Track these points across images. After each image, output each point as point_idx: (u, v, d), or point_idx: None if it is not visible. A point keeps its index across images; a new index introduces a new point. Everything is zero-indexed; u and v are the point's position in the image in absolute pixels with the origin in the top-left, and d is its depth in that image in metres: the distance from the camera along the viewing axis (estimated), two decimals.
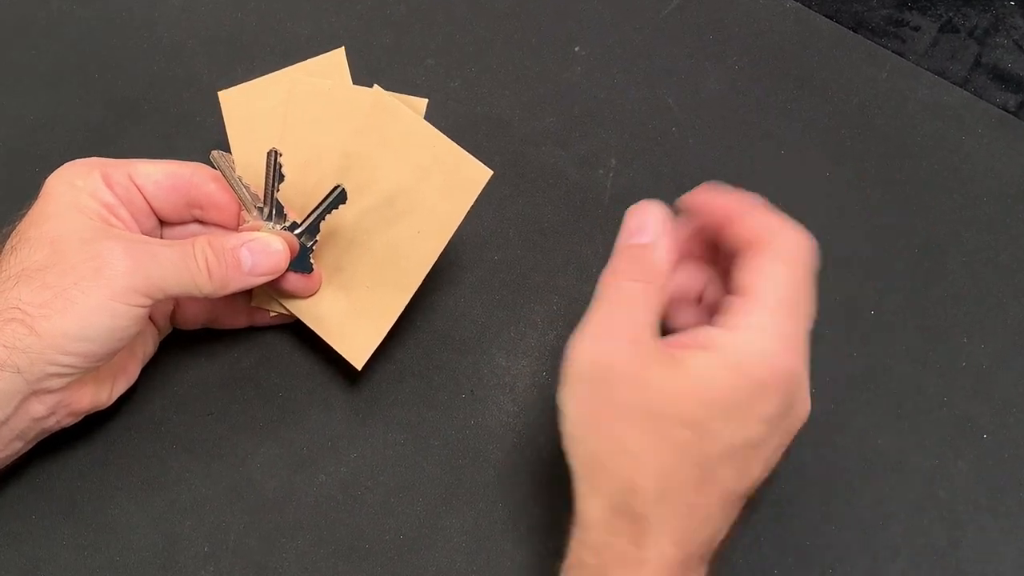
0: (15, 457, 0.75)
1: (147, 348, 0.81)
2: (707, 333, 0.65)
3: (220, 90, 0.83)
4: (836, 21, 1.02)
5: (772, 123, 0.96)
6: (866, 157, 0.94)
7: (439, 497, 0.79)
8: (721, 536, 0.65)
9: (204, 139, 0.93)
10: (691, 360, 0.63)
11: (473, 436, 0.82)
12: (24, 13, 1.03)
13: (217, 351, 0.85)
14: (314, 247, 0.79)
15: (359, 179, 0.78)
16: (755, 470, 0.65)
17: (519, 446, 0.81)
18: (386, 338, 0.80)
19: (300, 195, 0.80)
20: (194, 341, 0.85)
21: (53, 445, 0.79)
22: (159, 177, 0.77)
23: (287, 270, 0.78)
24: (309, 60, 0.82)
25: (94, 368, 0.73)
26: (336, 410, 0.83)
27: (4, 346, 0.67)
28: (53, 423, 0.74)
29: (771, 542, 0.78)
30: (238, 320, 0.85)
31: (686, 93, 0.98)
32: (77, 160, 0.77)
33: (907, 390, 0.84)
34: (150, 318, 0.80)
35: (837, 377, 0.83)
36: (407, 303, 0.78)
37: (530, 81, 0.98)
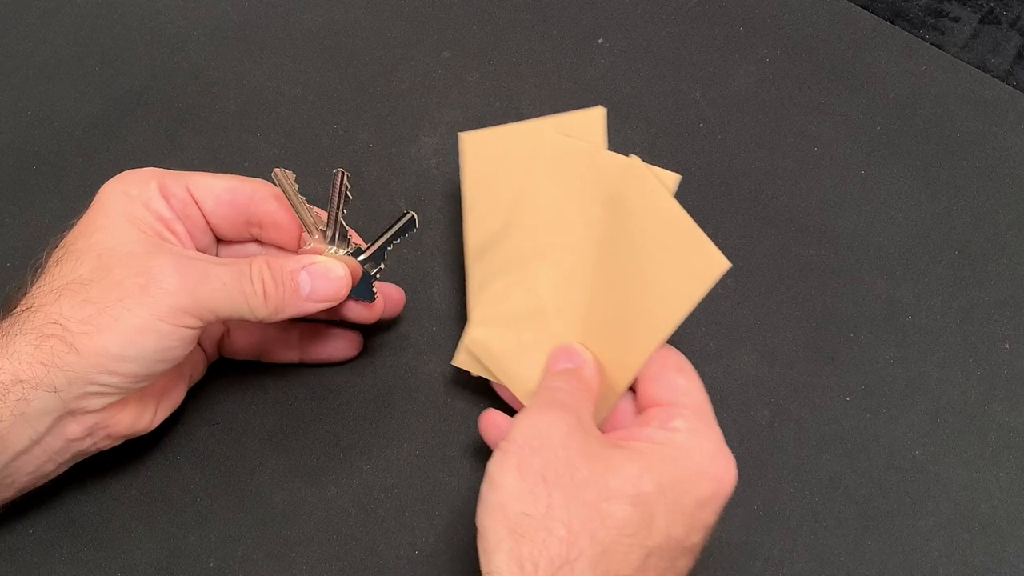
0: (45, 481, 0.74)
1: (196, 372, 0.81)
2: (646, 431, 0.69)
3: (461, 131, 0.82)
4: (872, 12, 1.02)
5: (804, 119, 0.96)
6: (903, 155, 0.94)
7: (457, 510, 0.79)
8: None
9: (209, 135, 0.93)
10: (638, 446, 0.67)
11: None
12: (18, 1, 1.03)
13: (223, 359, 0.84)
14: (378, 275, 0.79)
15: (596, 247, 0.77)
16: (682, 569, 0.67)
17: None
18: (399, 344, 0.81)
19: (532, 255, 0.79)
20: None
21: None
22: (219, 191, 0.76)
23: (347, 297, 0.77)
24: (564, 114, 0.80)
25: (136, 389, 0.72)
26: (348, 419, 0.83)
27: (41, 363, 0.67)
28: (89, 445, 0.73)
29: (804, 557, 0.78)
30: (289, 354, 0.84)
31: (715, 88, 0.98)
32: (134, 169, 0.75)
33: (946, 398, 0.84)
34: (200, 345, 0.80)
35: (872, 385, 0.83)
36: (627, 385, 0.75)
37: (551, 75, 0.98)
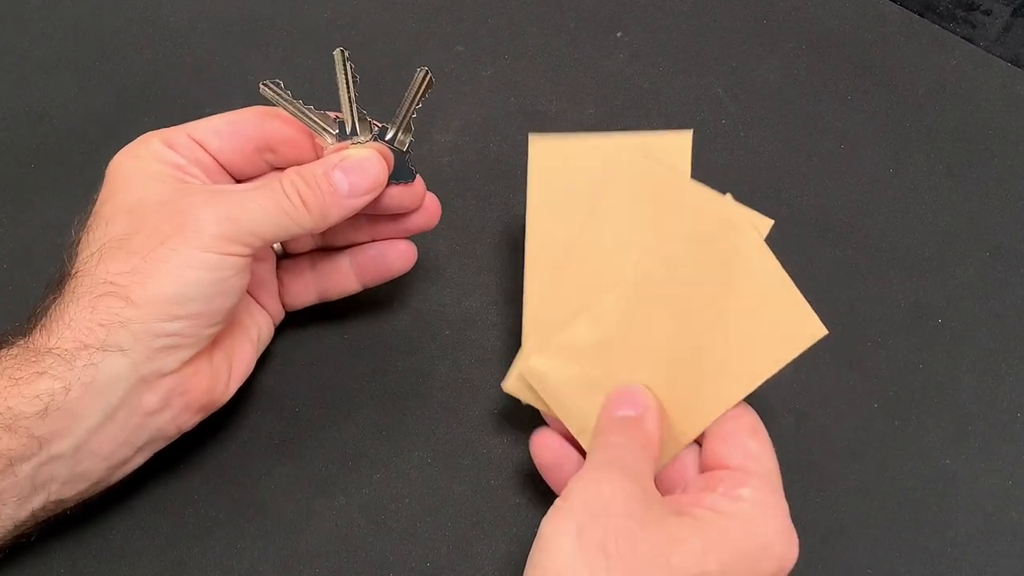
0: (122, 475, 0.73)
1: (261, 331, 0.81)
2: (710, 498, 0.68)
3: (531, 132, 0.79)
4: (901, 5, 1.02)
5: (830, 115, 0.96)
6: (933, 152, 0.94)
7: (469, 521, 0.79)
8: None
9: None
10: (702, 516, 0.66)
11: (507, 454, 0.82)
12: None
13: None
14: (411, 150, 0.78)
15: (673, 285, 0.74)
16: None
17: None
18: (409, 348, 0.81)
19: (600, 282, 0.76)
20: None
21: None
22: (219, 128, 0.76)
23: (387, 183, 0.77)
24: (650, 134, 0.77)
25: (206, 338, 0.72)
26: (357, 427, 0.83)
27: (101, 324, 0.66)
28: (168, 421, 0.72)
29: (831, 569, 0.77)
30: (348, 282, 0.84)
31: (737, 83, 0.98)
32: (132, 141, 0.76)
33: (977, 405, 0.83)
34: (258, 302, 0.81)
35: (901, 390, 0.83)
36: (693, 438, 0.74)
37: (568, 69, 0.98)
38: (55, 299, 0.69)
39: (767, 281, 0.71)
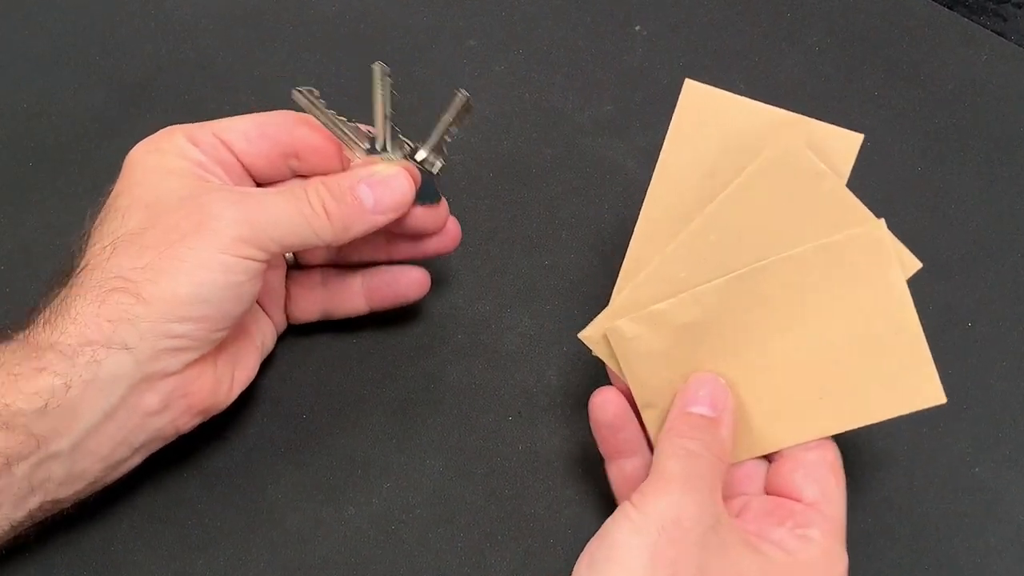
0: (118, 474, 0.74)
1: (265, 339, 0.82)
2: (778, 534, 0.68)
3: (688, 78, 0.75)
4: None
5: (856, 112, 0.96)
6: (963, 150, 0.93)
7: (483, 532, 0.79)
8: None
9: None
10: (770, 554, 0.66)
11: (521, 463, 0.81)
12: None
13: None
14: (441, 174, 0.78)
15: (789, 294, 0.72)
16: None
17: (573, 474, 0.81)
18: (421, 353, 0.81)
19: (712, 260, 0.73)
20: None
21: None
22: (247, 130, 0.77)
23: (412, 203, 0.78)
24: (821, 123, 0.73)
25: (212, 343, 0.72)
26: (367, 434, 0.82)
27: (108, 320, 0.67)
28: (167, 422, 0.73)
29: None
30: (356, 303, 0.84)
31: (760, 78, 0.98)
32: (154, 134, 0.76)
33: (1009, 411, 0.83)
34: (264, 310, 0.82)
35: None
36: (767, 452, 0.74)
37: (584, 64, 0.98)
38: (60, 293, 0.69)
39: (899, 326, 0.70)
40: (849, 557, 0.76)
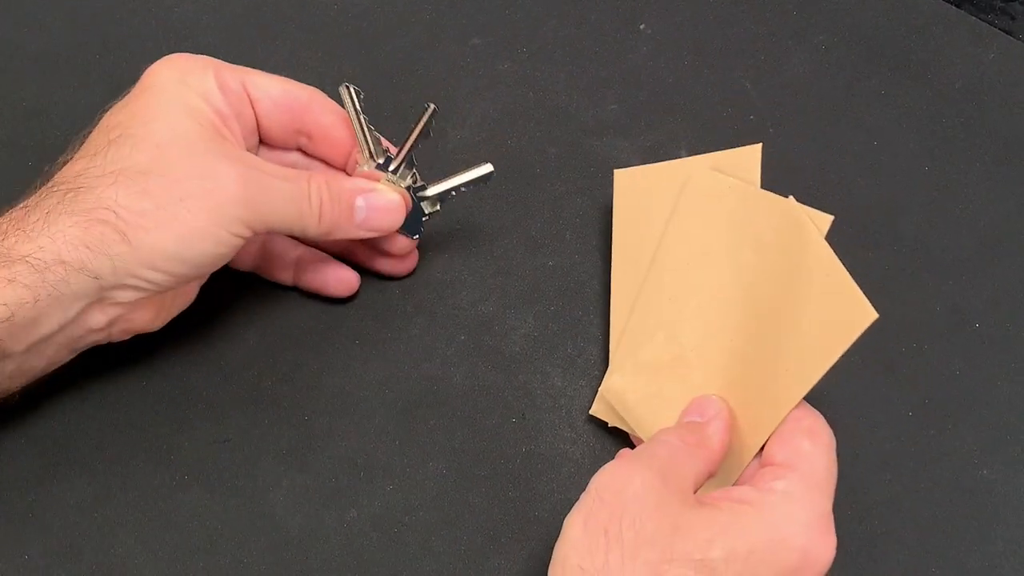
0: (53, 368, 0.76)
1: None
2: (740, 490, 0.68)
3: (616, 168, 0.85)
4: None
5: (863, 110, 0.95)
6: (970, 149, 0.93)
7: (486, 535, 0.79)
8: None
9: None
10: (724, 507, 0.66)
11: (525, 466, 0.81)
12: None
13: (233, 368, 0.84)
14: (432, 217, 0.83)
15: (743, 294, 0.76)
16: None
17: (577, 477, 0.80)
18: (424, 354, 0.81)
19: (676, 298, 0.79)
20: (207, 356, 0.85)
21: (48, 477, 0.79)
22: (276, 94, 0.79)
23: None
24: (719, 153, 0.80)
25: (172, 288, 0.74)
26: (369, 436, 0.82)
27: (87, 247, 0.69)
28: (103, 337, 0.76)
29: None
30: (284, 274, 0.86)
31: (766, 76, 0.98)
32: (185, 55, 0.78)
33: (1016, 413, 0.83)
34: None
35: (937, 398, 0.83)
36: (760, 445, 0.74)
37: (589, 63, 0.98)
38: (40, 201, 0.71)
39: (821, 273, 0.71)
40: (854, 559, 0.76)
